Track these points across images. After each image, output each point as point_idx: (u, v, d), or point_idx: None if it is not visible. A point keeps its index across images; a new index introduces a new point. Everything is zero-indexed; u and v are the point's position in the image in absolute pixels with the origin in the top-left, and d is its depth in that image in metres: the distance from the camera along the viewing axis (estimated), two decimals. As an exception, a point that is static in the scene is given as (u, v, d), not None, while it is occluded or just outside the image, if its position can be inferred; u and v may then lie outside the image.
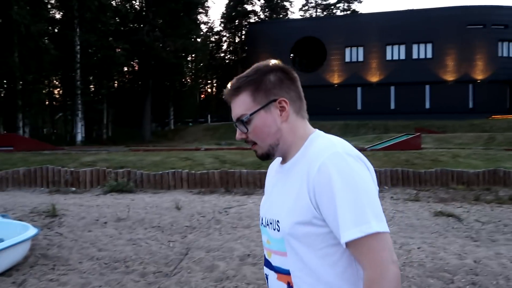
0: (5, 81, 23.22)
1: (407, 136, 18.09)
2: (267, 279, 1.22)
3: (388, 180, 9.72)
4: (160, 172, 9.68)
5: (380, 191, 9.00)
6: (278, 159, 1.25)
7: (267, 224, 1.19)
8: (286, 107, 1.14)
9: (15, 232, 4.56)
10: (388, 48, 39.10)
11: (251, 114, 1.13)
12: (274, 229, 1.13)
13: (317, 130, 1.20)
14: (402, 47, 38.74)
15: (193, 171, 9.71)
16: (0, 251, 4.06)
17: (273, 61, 1.18)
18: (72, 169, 9.93)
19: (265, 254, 1.22)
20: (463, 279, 3.94)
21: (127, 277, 4.14)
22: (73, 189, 9.42)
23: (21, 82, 22.38)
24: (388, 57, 39.28)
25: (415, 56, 38.74)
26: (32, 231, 4.58)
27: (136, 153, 13.69)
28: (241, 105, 1.14)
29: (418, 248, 4.91)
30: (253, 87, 1.14)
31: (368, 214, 1.00)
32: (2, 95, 23.36)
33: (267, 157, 1.19)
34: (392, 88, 38.67)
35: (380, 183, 9.67)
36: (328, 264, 1.07)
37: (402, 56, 38.90)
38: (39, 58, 22.82)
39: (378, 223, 1.00)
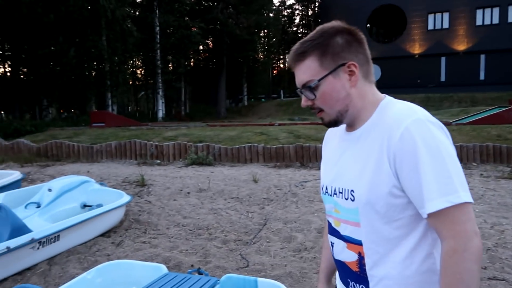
0: (95, 63, 25.23)
1: (499, 109, 16.43)
2: (332, 247, 1.20)
3: (477, 157, 8.99)
4: (237, 146, 9.97)
5: (467, 168, 8.39)
6: (340, 127, 1.20)
7: (336, 193, 1.15)
8: (356, 71, 1.08)
9: (112, 198, 5.04)
10: (479, 12, 35.34)
11: (319, 80, 1.08)
12: (347, 199, 1.10)
13: (387, 96, 1.14)
14: (496, 10, 34.75)
15: (268, 146, 9.85)
16: (101, 215, 4.53)
17: (338, 23, 1.11)
18: (156, 143, 10.63)
19: (331, 222, 1.19)
20: None
21: (210, 243, 4.40)
22: (158, 161, 10.12)
23: (108, 64, 24.19)
24: (479, 22, 35.53)
25: (510, 19, 34.59)
26: (126, 198, 5.02)
27: (213, 128, 14.21)
28: (306, 70, 1.09)
29: (513, 228, 4.52)
30: (320, 51, 1.08)
31: (456, 184, 0.95)
32: (93, 75, 25.47)
33: (335, 124, 1.15)
34: (482, 57, 35.10)
35: (468, 159, 8.99)
36: (403, 235, 1.04)
37: (495, 21, 34.93)
38: (123, 40, 24.41)
39: (465, 193, 0.96)
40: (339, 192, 1.13)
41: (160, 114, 28.46)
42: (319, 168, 8.75)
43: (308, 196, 6.24)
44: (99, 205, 4.84)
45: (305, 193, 6.43)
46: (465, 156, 8.98)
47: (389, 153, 1.01)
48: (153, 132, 12.86)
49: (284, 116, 27.35)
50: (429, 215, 0.97)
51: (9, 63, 23.87)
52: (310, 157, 9.34)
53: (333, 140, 1.25)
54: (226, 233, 4.74)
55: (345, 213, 1.12)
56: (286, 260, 3.90)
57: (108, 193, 5.29)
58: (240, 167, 9.12)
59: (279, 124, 16.37)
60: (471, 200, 0.97)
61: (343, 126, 1.19)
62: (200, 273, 2.92)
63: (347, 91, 1.09)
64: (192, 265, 3.75)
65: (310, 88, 1.09)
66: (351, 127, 1.15)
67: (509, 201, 5.80)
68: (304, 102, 1.14)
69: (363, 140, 1.09)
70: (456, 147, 8.92)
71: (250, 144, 9.95)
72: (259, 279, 2.70)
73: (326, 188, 1.20)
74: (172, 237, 4.66)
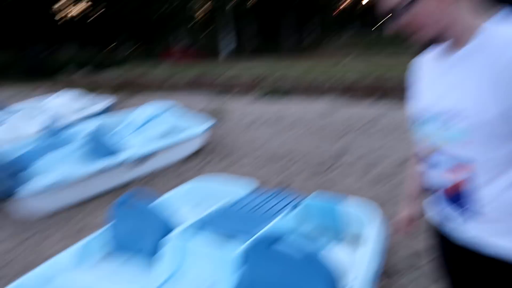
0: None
1: None
2: (426, 173, 1.18)
3: None
4: (311, 78, 9.83)
5: None
6: (432, 53, 1.13)
7: (439, 116, 1.09)
8: None
9: (197, 123, 5.35)
10: None
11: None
12: (455, 119, 1.03)
13: (495, 14, 1.02)
14: None
15: (343, 78, 9.58)
16: (189, 137, 4.87)
17: None
18: (230, 75, 10.81)
19: (427, 149, 1.15)
20: None
21: (291, 168, 4.56)
22: (232, 93, 10.35)
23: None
24: None
25: None
26: (209, 122, 5.31)
27: (284, 61, 14.03)
28: None
29: None
30: None
31: None
32: (167, 11, 26.01)
33: (433, 44, 1.06)
34: None
35: None
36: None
37: None
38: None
39: None
40: (445, 113, 1.07)
41: (229, 48, 28.55)
42: (396, 102, 8.33)
43: (386, 129, 6.10)
44: (185, 129, 5.18)
45: (382, 126, 6.28)
46: None
47: (498, 75, 0.94)
48: (224, 66, 13.04)
49: (358, 50, 26.03)
50: None
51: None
52: (387, 90, 8.95)
53: (426, 66, 1.19)
54: (305, 160, 4.86)
55: (449, 134, 1.07)
56: (367, 186, 3.95)
57: (192, 118, 5.60)
58: (314, 99, 9.04)
59: (354, 57, 15.66)
60: None
61: (436, 52, 1.13)
62: (286, 191, 3.08)
63: (446, 10, 1.00)
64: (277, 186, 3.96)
65: (406, 6, 1.01)
66: (451, 48, 1.07)
67: None
68: (396, 24, 1.05)
69: (469, 61, 1.01)
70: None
71: (324, 76, 9.75)
72: (346, 198, 2.79)
73: (424, 113, 1.15)
74: (252, 161, 4.89)
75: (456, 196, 1.10)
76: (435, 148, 1.13)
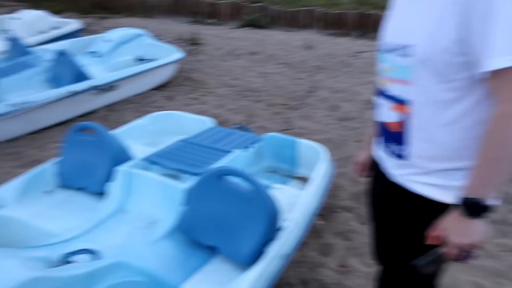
0: None
1: None
2: (378, 109, 1.18)
3: None
4: (295, 10, 9.40)
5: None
6: None
7: (392, 50, 1.07)
8: None
9: (165, 54, 5.15)
10: None
11: None
12: (404, 55, 1.02)
13: None
14: None
15: (328, 11, 9.19)
16: (155, 68, 4.72)
17: None
18: (211, 1, 10.24)
19: (382, 83, 1.14)
20: None
21: (257, 105, 4.53)
22: (212, 20, 9.90)
23: None
24: None
25: None
26: (179, 54, 5.11)
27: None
28: None
29: None
30: None
31: None
32: None
33: None
34: None
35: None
36: (456, 98, 0.97)
37: None
38: None
39: None
40: (395, 49, 1.05)
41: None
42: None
43: (361, 67, 6.01)
44: (153, 59, 5.00)
45: (359, 64, 6.18)
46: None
47: (462, 1, 0.89)
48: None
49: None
50: (491, 74, 0.89)
51: None
52: (372, 26, 8.68)
53: None
54: (273, 97, 4.82)
55: (399, 71, 1.05)
56: (328, 127, 3.99)
57: (162, 48, 5.39)
58: (295, 32, 8.74)
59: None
60: None
61: None
62: (244, 130, 3.09)
63: None
64: (237, 124, 3.95)
65: None
66: None
67: None
68: None
69: None
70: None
71: (308, 8, 9.33)
72: (300, 139, 2.82)
73: (383, 46, 1.13)
74: (220, 96, 4.83)
75: (394, 135, 1.12)
76: (385, 83, 1.13)
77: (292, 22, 9.32)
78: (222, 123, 3.95)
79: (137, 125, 3.09)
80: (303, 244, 2.39)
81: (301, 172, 2.81)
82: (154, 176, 2.13)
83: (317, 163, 2.55)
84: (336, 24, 8.97)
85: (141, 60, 5.26)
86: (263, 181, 2.49)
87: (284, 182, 2.71)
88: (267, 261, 1.70)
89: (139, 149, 2.64)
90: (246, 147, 2.68)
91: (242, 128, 3.11)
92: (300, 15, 9.29)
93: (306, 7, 9.48)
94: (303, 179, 2.73)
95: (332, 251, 2.41)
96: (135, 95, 4.64)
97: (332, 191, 2.89)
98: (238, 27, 9.17)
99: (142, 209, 2.12)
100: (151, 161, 2.36)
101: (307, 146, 2.77)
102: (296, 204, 2.10)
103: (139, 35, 5.46)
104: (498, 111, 0.91)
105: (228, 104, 4.54)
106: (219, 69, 5.83)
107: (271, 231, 1.80)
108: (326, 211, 2.73)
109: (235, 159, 2.48)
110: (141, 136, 3.04)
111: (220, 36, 7.94)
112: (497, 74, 0.88)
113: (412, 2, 1.04)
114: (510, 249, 2.40)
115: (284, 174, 2.85)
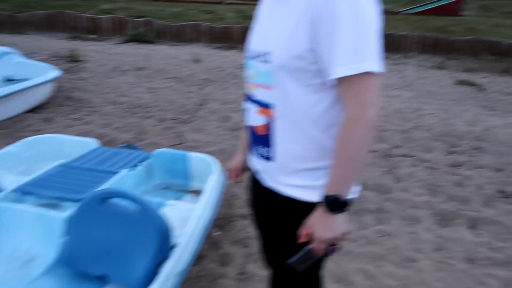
0: None
1: (448, 0, 16.47)
2: (246, 114, 1.23)
3: (418, 47, 9.24)
4: (180, 24, 9.40)
5: (406, 57, 8.67)
6: None
7: (256, 57, 1.12)
8: None
9: (39, 72, 4.71)
10: None
11: None
12: (265, 62, 1.07)
13: None
14: None
15: (214, 25, 9.38)
16: (27, 89, 4.27)
17: None
18: (91, 15, 9.70)
19: (248, 88, 1.19)
20: (468, 143, 4.04)
21: (146, 121, 4.39)
22: (93, 36, 9.37)
23: None
24: None
25: None
26: (55, 72, 4.72)
27: (155, 2, 13.09)
28: None
29: (431, 114, 4.93)
30: None
31: (368, 52, 0.94)
32: None
33: None
34: None
35: (409, 49, 9.24)
36: (313, 101, 1.05)
37: None
38: None
39: (372, 63, 0.94)
40: (258, 56, 1.10)
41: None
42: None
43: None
44: (25, 79, 4.53)
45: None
46: (406, 46, 9.19)
47: (312, 14, 0.96)
48: (87, 3, 11.63)
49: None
50: (338, 81, 0.97)
51: None
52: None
53: (265, 1, 1.18)
54: (163, 112, 4.72)
55: (261, 76, 1.10)
56: (220, 138, 4.04)
57: (34, 67, 4.92)
58: (182, 46, 8.73)
59: (228, 3, 15.41)
60: (377, 70, 0.95)
61: None
62: (132, 148, 2.96)
63: None
64: (125, 142, 3.78)
65: None
66: None
67: (434, 89, 6.21)
68: None
69: (289, 1, 1.03)
70: (399, 36, 9.06)
71: (194, 22, 9.40)
72: (190, 153, 2.80)
73: (249, 53, 1.17)
74: (106, 114, 4.57)
75: (261, 138, 1.16)
76: (251, 88, 1.17)
77: (179, 36, 9.30)
78: (108, 143, 3.74)
79: (7, 152, 2.75)
80: (201, 258, 2.37)
81: (195, 185, 2.79)
82: (27, 208, 1.92)
83: (209, 175, 2.56)
84: (222, 38, 9.19)
85: (10, 80, 4.73)
86: (155, 199, 2.41)
87: (178, 198, 2.66)
88: (161, 280, 1.65)
89: (10, 179, 2.36)
90: (134, 166, 2.57)
91: (129, 146, 2.99)
92: (187, 29, 9.32)
93: (192, 21, 9.55)
94: (197, 192, 2.71)
95: (231, 260, 2.43)
96: (5, 120, 4.15)
97: (227, 201, 2.92)
98: (123, 42, 8.83)
99: (16, 247, 1.89)
100: (24, 192, 2.12)
101: (198, 159, 2.76)
102: (189, 218, 2.07)
103: (6, 53, 4.91)
104: (346, 115, 1.00)
105: (115, 123, 4.32)
106: (103, 86, 5.52)
107: (164, 249, 1.74)
108: (222, 221, 2.74)
109: (122, 179, 2.36)
110: (12, 164, 2.72)
111: (103, 52, 7.54)
112: (342, 81, 0.97)
113: (273, 11, 1.10)
114: (387, 233, 2.69)
115: (178, 190, 2.80)
